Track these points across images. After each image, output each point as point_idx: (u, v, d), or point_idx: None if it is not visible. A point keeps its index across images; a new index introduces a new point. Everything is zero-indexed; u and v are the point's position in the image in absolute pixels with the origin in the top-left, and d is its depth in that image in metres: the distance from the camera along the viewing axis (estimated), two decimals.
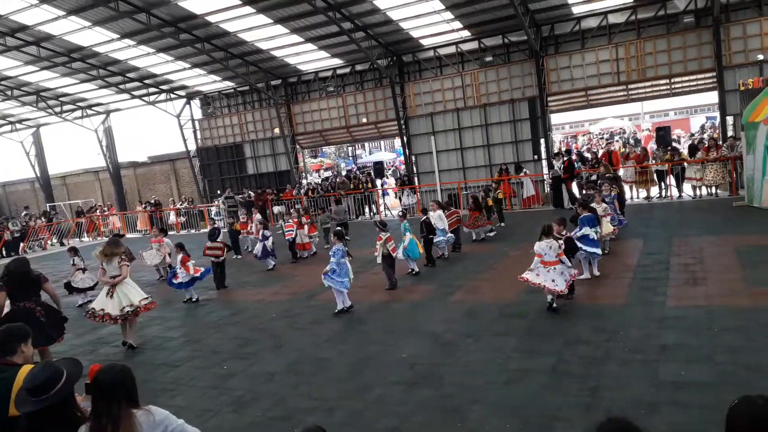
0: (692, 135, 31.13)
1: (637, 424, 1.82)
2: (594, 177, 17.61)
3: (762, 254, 10.00)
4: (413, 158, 24.67)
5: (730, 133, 18.83)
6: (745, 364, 5.84)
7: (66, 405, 3.08)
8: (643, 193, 18.88)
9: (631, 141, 31.78)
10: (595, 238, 9.82)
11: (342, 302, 9.65)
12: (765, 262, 9.47)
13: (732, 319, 7.15)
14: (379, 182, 25.51)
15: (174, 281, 11.73)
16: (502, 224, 16.75)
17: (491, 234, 15.30)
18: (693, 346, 6.47)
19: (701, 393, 5.36)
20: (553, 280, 8.13)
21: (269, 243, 14.24)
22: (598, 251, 9.88)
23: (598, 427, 1.84)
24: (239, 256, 16.65)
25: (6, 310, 7.33)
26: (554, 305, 8.28)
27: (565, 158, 19.06)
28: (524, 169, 20.46)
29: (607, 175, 15.26)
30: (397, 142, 32.85)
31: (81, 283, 12.54)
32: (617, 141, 32.91)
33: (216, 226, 14.56)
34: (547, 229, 8.33)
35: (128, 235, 24.72)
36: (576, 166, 19.12)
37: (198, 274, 11.72)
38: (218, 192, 28.13)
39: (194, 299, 11.82)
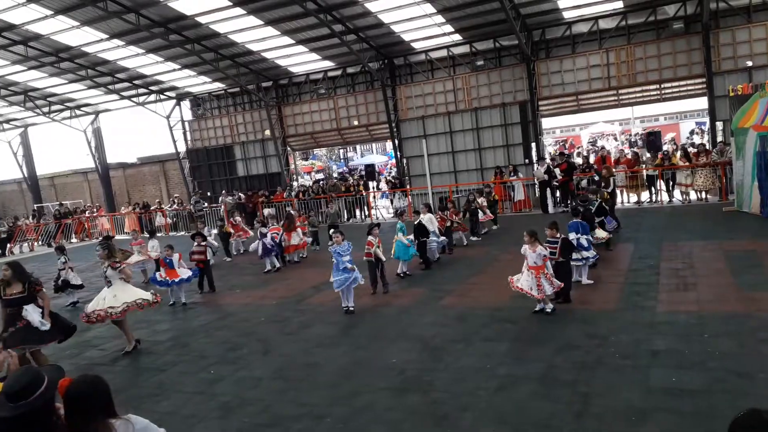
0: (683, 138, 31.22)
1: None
2: (584, 182, 17.64)
3: (752, 259, 10.03)
4: (405, 161, 24.62)
5: (719, 138, 18.92)
6: (736, 370, 5.81)
7: (46, 412, 2.99)
8: (633, 198, 18.95)
9: (639, 142, 31.76)
10: (585, 244, 9.74)
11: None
12: (755, 267, 9.50)
13: (723, 324, 7.14)
14: (373, 184, 25.48)
15: (158, 278, 11.55)
16: (495, 227, 16.77)
17: (473, 239, 15.22)
18: (684, 352, 6.44)
19: (693, 399, 5.32)
20: (539, 286, 8.10)
21: (268, 241, 14.11)
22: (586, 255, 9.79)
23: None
24: (228, 259, 16.54)
25: None
26: (545, 309, 8.25)
27: (562, 162, 19.07)
28: (518, 172, 20.45)
29: (607, 177, 15.13)
30: (389, 145, 32.79)
31: (73, 279, 12.54)
32: (624, 143, 32.89)
33: (201, 230, 14.38)
34: (532, 233, 8.29)
35: (117, 237, 24.50)
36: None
37: (175, 279, 11.52)
38: (208, 194, 28.00)
39: (182, 302, 11.69)
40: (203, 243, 12.61)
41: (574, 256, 9.46)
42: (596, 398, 5.57)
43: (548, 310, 8.26)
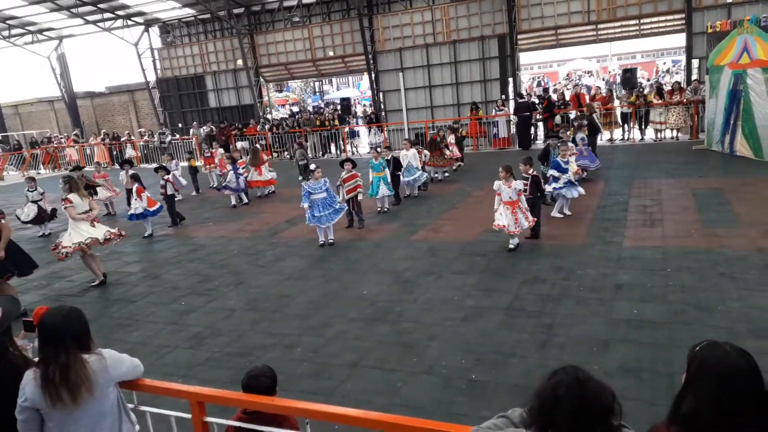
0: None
1: (589, 371, 1.78)
2: (558, 119, 17.65)
3: (717, 197, 10.24)
4: (381, 95, 24.18)
5: (694, 76, 18.89)
6: (696, 303, 6.01)
7: (1, 343, 2.94)
8: (606, 135, 19.01)
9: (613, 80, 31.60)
10: (567, 178, 9.89)
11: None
12: (720, 205, 9.71)
13: (685, 259, 7.33)
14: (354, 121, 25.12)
15: (128, 212, 11.71)
16: (461, 164, 16.69)
17: (446, 175, 15.24)
18: (647, 285, 6.63)
19: (653, 331, 5.51)
20: (516, 221, 8.19)
21: (239, 178, 13.95)
22: (566, 191, 9.96)
23: (551, 375, 1.79)
24: (200, 192, 16.38)
25: None
26: (512, 246, 8.37)
27: (545, 98, 18.95)
28: (505, 107, 20.10)
29: (591, 114, 15.06)
30: (364, 80, 31.97)
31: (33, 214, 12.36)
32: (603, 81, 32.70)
33: (164, 164, 14.12)
34: (508, 169, 8.29)
35: (86, 168, 23.95)
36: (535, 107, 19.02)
37: (152, 208, 11.62)
38: (179, 125, 27.32)
39: (148, 233, 11.70)
40: (166, 177, 12.39)
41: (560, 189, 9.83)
42: (560, 329, 5.74)
43: (511, 246, 8.38)
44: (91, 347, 2.86)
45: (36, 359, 2.81)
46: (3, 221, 7.58)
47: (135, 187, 11.53)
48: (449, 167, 15.32)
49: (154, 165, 23.44)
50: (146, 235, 11.70)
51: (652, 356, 5.05)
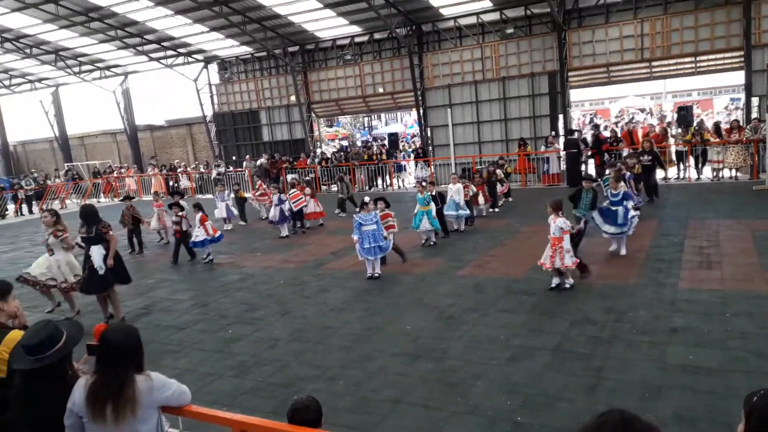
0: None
1: (637, 413, 1.71)
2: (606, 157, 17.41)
3: None
4: (429, 131, 24.37)
5: (754, 114, 18.33)
6: (756, 350, 5.71)
7: (61, 367, 3.04)
8: (660, 174, 18.54)
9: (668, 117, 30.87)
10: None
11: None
12: None
13: (745, 304, 7.00)
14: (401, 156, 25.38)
15: (200, 238, 12.13)
16: (510, 199, 16.63)
17: (496, 210, 15.19)
18: (703, 330, 6.34)
19: (710, 378, 5.25)
20: (551, 257, 8.02)
21: (286, 207, 14.22)
22: (610, 228, 9.74)
23: (598, 416, 1.73)
24: (243, 223, 16.83)
25: None
26: (563, 285, 8.18)
27: (596, 134, 18.80)
28: (554, 144, 20.04)
29: (653, 150, 14.66)
30: (407, 114, 32.29)
31: None
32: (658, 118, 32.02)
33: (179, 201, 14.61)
34: (555, 205, 8.14)
35: (143, 198, 24.91)
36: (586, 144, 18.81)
37: (216, 235, 12.10)
38: (233, 158, 28.19)
39: (208, 259, 12.09)
40: (180, 213, 12.47)
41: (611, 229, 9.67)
42: (610, 373, 5.54)
43: (567, 286, 8.17)
44: (143, 368, 2.95)
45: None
46: (111, 232, 8.26)
47: (199, 215, 11.95)
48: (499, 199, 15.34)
49: (209, 195, 24.22)
50: (206, 261, 12.07)
51: (708, 405, 4.80)
